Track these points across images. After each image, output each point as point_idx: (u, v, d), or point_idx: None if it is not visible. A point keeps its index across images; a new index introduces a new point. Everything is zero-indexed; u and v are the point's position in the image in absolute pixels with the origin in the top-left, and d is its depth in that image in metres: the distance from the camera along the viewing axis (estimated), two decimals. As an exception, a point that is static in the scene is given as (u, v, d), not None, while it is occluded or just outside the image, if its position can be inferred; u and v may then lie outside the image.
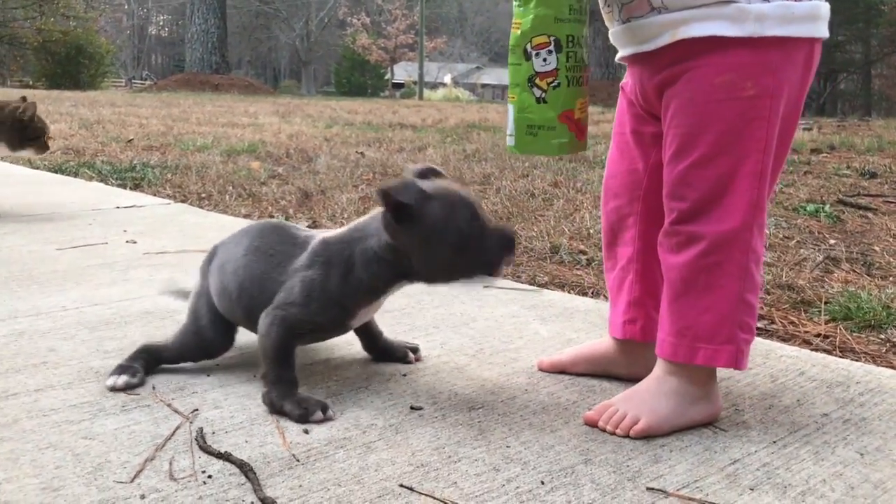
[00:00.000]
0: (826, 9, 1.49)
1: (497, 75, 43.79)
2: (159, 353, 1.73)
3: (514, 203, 4.51)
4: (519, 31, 1.50)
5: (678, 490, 1.28)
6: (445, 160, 6.50)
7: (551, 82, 1.49)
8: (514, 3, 1.52)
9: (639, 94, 1.61)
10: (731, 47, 1.43)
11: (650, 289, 1.68)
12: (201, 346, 1.73)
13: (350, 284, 1.54)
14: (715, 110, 1.46)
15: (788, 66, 1.46)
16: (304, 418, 1.49)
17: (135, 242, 3.00)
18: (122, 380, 1.62)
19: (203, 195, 4.60)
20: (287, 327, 1.56)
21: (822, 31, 1.48)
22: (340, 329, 1.67)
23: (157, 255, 2.80)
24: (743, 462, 1.38)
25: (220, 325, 1.72)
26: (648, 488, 1.29)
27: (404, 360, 1.83)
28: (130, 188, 4.74)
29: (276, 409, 1.53)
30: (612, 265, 1.74)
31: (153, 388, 1.63)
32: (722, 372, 1.75)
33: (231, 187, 4.87)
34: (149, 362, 1.70)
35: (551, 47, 1.48)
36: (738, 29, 1.41)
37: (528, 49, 1.49)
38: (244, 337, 1.74)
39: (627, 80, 1.66)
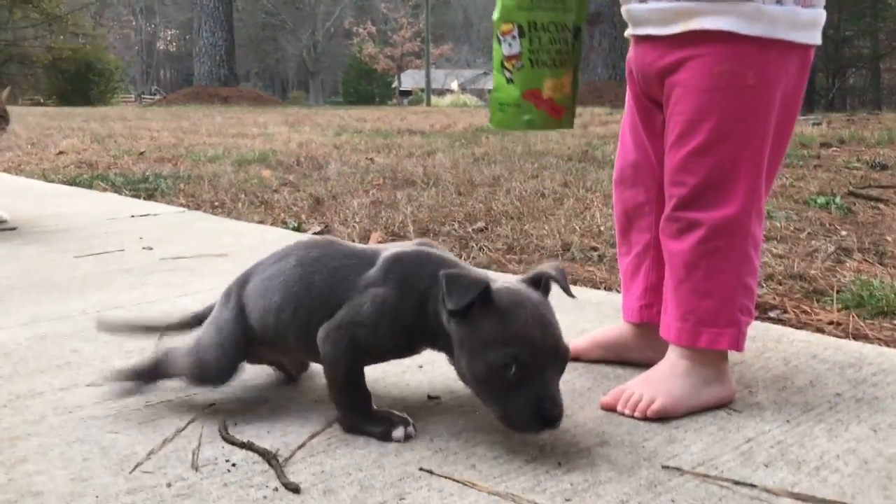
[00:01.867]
0: (823, 17, 1.55)
1: (504, 80, 43.80)
2: (167, 369, 1.59)
3: (524, 203, 4.54)
4: (494, 20, 1.64)
5: (694, 468, 1.30)
6: (455, 164, 6.53)
7: (515, 64, 1.62)
8: None
9: (639, 75, 1.64)
10: (737, 42, 1.47)
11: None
12: (201, 377, 1.56)
13: (422, 317, 1.40)
14: (716, 98, 1.49)
15: (786, 64, 1.52)
16: (386, 436, 1.40)
17: (151, 249, 3.05)
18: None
19: (216, 203, 4.65)
20: (355, 350, 1.43)
21: (818, 39, 1.55)
22: (408, 354, 1.55)
23: (172, 261, 2.84)
24: (757, 441, 1.40)
25: (229, 360, 1.54)
26: (664, 466, 1.31)
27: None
28: (144, 198, 4.79)
29: (357, 432, 1.44)
30: (627, 251, 1.76)
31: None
32: (734, 356, 1.77)
33: (243, 195, 4.92)
34: (156, 376, 1.59)
35: (514, 33, 1.61)
36: (750, 28, 1.47)
37: (499, 35, 1.63)
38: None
39: (631, 55, 1.69)
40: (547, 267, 1.43)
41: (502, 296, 1.33)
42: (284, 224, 3.96)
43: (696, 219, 1.51)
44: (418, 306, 1.39)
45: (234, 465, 1.32)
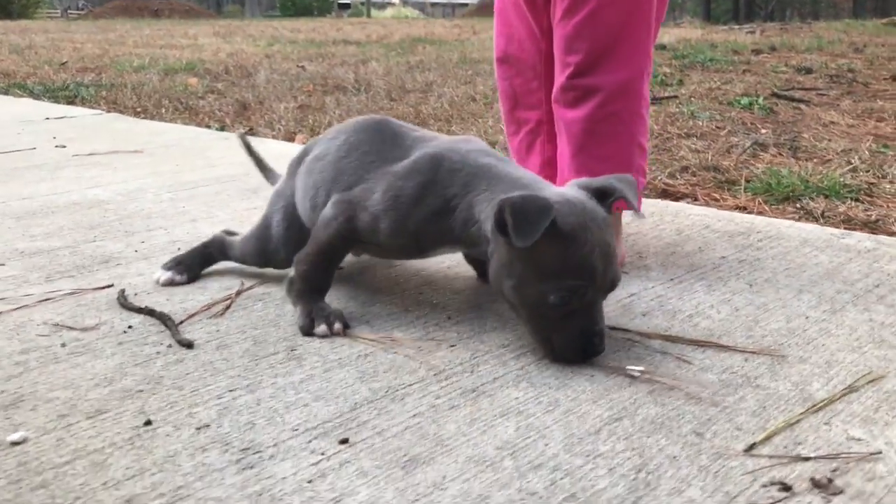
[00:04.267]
0: None
1: (446, -6, 42.92)
2: (225, 248, 1.59)
3: (454, 107, 4.53)
4: None
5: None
6: (388, 71, 6.45)
7: None
8: None
9: None
10: None
11: None
12: (262, 252, 1.53)
13: (438, 225, 1.28)
14: None
15: None
16: (306, 330, 1.31)
17: (64, 147, 2.98)
18: (166, 276, 1.53)
19: (138, 109, 4.54)
20: (347, 229, 1.34)
21: None
22: (413, 257, 1.46)
23: (86, 157, 2.79)
24: (639, 295, 1.47)
25: (289, 235, 1.50)
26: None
27: None
28: (62, 105, 4.65)
29: (294, 301, 1.38)
30: (517, 129, 1.79)
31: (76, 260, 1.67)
32: (630, 228, 1.83)
33: (167, 101, 4.81)
34: (211, 257, 1.59)
35: None
36: None
37: None
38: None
39: None
40: (616, 179, 1.25)
41: (566, 217, 1.14)
42: (208, 128, 3.90)
43: (592, 84, 1.54)
44: (439, 213, 1.27)
45: (130, 327, 1.34)
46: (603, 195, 1.22)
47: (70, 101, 4.82)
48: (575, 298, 1.14)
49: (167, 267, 1.55)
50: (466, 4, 37.21)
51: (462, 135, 1.53)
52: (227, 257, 1.59)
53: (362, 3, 33.99)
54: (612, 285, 1.19)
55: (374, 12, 30.43)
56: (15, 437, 1.00)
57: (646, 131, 1.58)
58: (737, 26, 13.04)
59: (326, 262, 1.39)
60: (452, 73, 6.21)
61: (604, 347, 1.19)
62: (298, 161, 1.54)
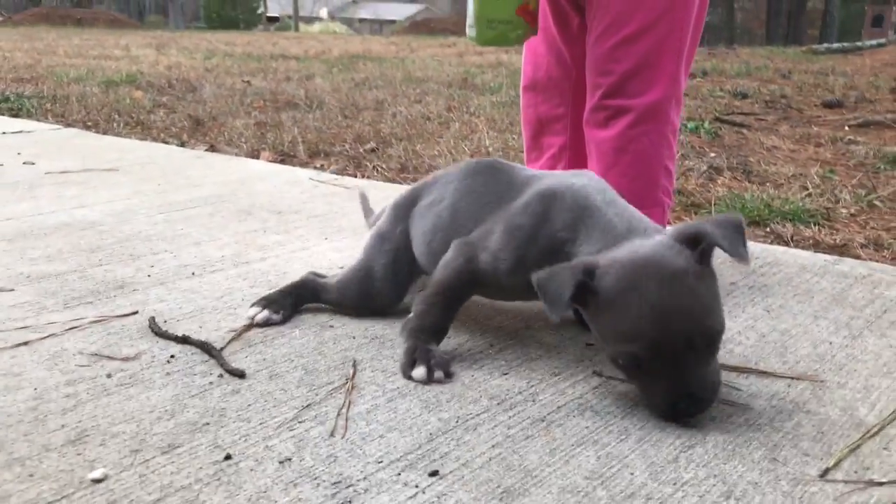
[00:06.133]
0: None
1: (373, 9, 43.01)
2: (318, 291, 1.53)
3: (412, 126, 4.55)
4: None
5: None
6: (336, 88, 6.44)
7: None
8: None
9: None
10: None
11: None
12: (366, 296, 1.49)
13: (551, 261, 1.21)
14: None
15: None
16: (404, 370, 1.26)
17: (33, 164, 2.89)
18: (262, 315, 1.45)
19: (89, 123, 4.43)
20: (467, 271, 1.32)
21: None
22: (530, 296, 1.29)
23: (59, 175, 2.71)
24: (667, 321, 1.52)
25: (396, 277, 1.48)
26: (587, 344, 1.40)
27: None
28: (9, 117, 4.49)
29: (405, 340, 1.32)
30: (538, 155, 1.83)
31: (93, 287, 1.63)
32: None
33: (117, 115, 4.70)
34: (303, 298, 1.53)
35: None
36: None
37: None
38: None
39: None
40: (710, 223, 1.15)
41: (609, 279, 1.11)
42: (165, 143, 3.83)
43: (623, 105, 1.59)
44: (552, 252, 1.24)
45: (172, 356, 1.32)
46: (695, 242, 1.13)
47: (14, 114, 4.66)
48: (642, 361, 1.09)
49: (261, 305, 1.47)
50: (394, 21, 37.35)
51: (575, 169, 1.52)
52: (319, 300, 1.53)
53: (289, 17, 33.76)
54: (689, 343, 1.08)
55: (301, 27, 30.27)
56: (96, 474, 0.98)
57: (673, 155, 1.64)
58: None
59: (444, 303, 1.33)
60: (401, 92, 6.24)
61: (697, 409, 1.11)
62: (408, 205, 1.50)
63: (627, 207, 1.26)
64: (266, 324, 1.45)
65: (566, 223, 1.25)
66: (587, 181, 1.31)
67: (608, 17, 1.58)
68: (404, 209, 1.51)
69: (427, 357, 1.26)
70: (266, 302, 1.48)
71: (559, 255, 1.23)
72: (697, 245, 1.13)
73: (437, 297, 1.33)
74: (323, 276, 1.58)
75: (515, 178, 1.37)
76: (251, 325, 1.45)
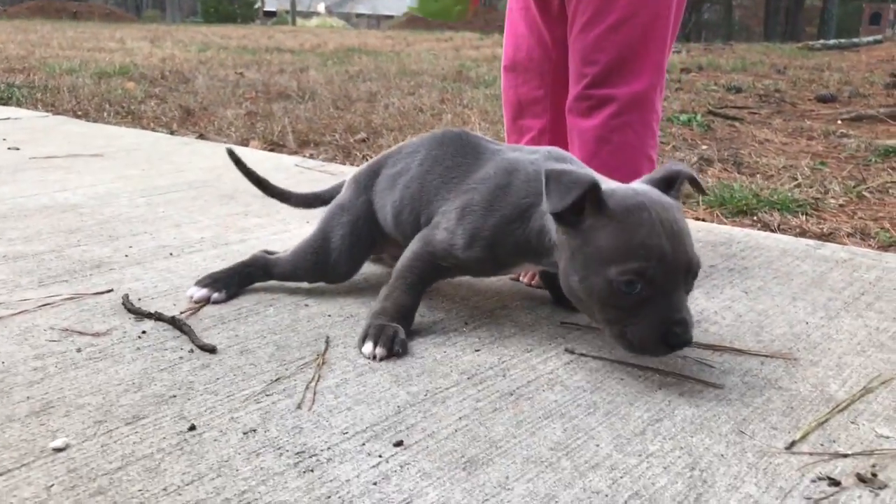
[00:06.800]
0: None
1: (372, 4, 42.92)
2: (269, 267, 1.53)
3: (404, 117, 4.54)
4: None
5: (589, 323, 1.39)
6: (329, 80, 6.42)
7: None
8: None
9: None
10: None
11: None
12: (321, 266, 1.49)
13: (513, 235, 1.26)
14: None
15: None
16: (358, 342, 1.28)
17: (18, 149, 2.88)
18: (201, 293, 1.45)
19: (79, 112, 4.41)
20: (428, 253, 1.33)
21: None
22: (496, 272, 1.39)
23: (44, 160, 2.70)
24: (644, 302, 1.51)
25: (353, 249, 1.49)
26: (562, 323, 1.40)
27: None
28: (-1, 106, 4.49)
29: (372, 317, 1.32)
30: (518, 138, 1.82)
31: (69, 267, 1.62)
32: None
33: (108, 105, 4.68)
34: (251, 276, 1.52)
35: None
36: None
37: None
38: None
39: None
40: (677, 164, 1.23)
41: (617, 198, 1.12)
42: (154, 132, 3.81)
43: (608, 94, 1.58)
44: (512, 221, 1.26)
45: (144, 332, 1.31)
46: (668, 184, 1.20)
47: (3, 102, 4.65)
48: (644, 282, 1.08)
49: (202, 284, 1.47)
50: (392, 16, 37.28)
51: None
52: (271, 276, 1.53)
53: (287, 12, 33.71)
54: (688, 268, 1.11)
55: (299, 21, 30.21)
56: (57, 443, 0.97)
57: (655, 144, 1.63)
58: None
59: (404, 286, 1.34)
60: (395, 84, 6.23)
61: (690, 338, 1.10)
62: (371, 175, 1.50)
63: (592, 170, 1.26)
64: (207, 302, 1.45)
65: (530, 191, 1.26)
66: (548, 152, 1.33)
67: (591, 6, 1.57)
68: (367, 179, 1.51)
69: (377, 334, 1.26)
70: (210, 280, 1.48)
71: (523, 220, 1.25)
72: (670, 187, 1.20)
73: (398, 281, 1.34)
74: (272, 253, 1.58)
75: (482, 151, 1.38)
76: (192, 300, 1.45)
